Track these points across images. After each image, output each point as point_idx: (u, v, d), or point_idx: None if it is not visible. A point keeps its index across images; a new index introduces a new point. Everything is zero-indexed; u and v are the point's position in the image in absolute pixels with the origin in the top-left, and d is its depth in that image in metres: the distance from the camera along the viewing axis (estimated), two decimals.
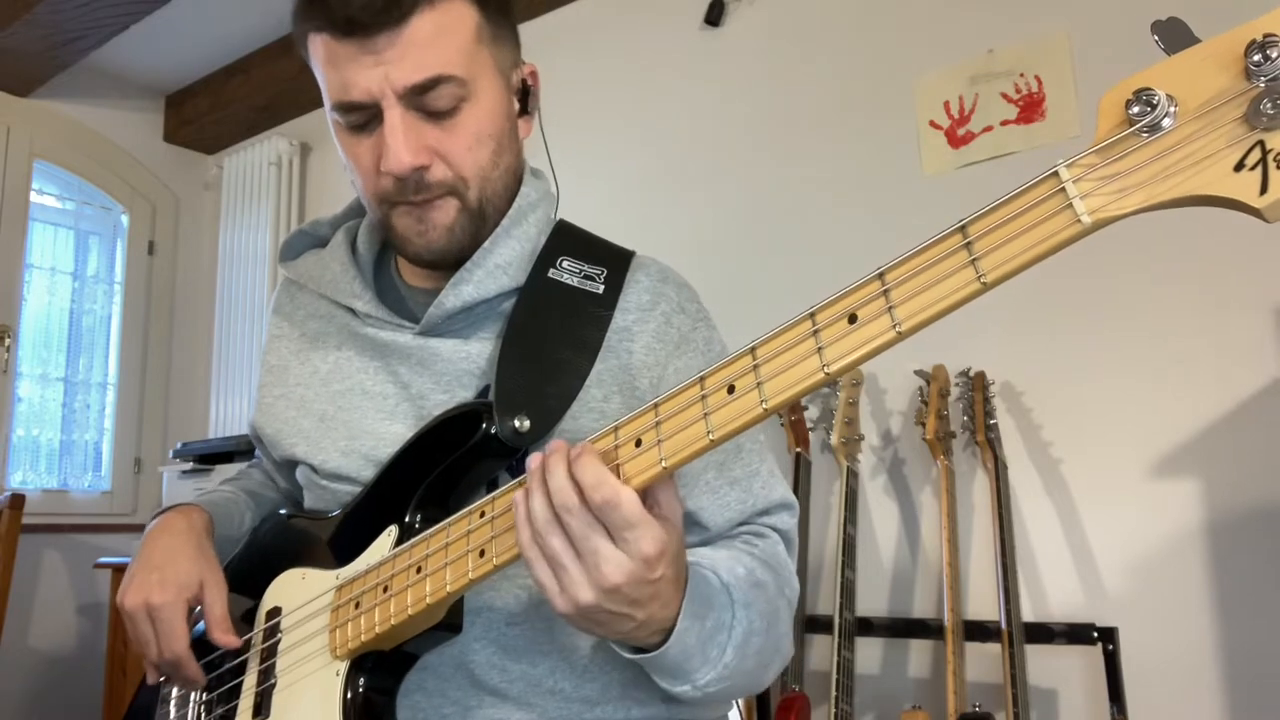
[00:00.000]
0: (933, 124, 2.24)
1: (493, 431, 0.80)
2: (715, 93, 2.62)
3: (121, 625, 2.91)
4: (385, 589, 0.77)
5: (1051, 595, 1.97)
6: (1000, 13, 2.18)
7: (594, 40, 2.90)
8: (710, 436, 0.61)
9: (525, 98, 0.92)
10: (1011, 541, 1.89)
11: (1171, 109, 0.49)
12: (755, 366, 0.60)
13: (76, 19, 2.93)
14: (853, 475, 2.06)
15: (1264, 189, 0.46)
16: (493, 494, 0.72)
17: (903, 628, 2.10)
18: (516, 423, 0.80)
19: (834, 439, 2.07)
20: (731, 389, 0.61)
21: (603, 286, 0.90)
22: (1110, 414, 1.95)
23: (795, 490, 2.07)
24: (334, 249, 0.99)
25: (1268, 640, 1.75)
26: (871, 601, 2.16)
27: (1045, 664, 1.93)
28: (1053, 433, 2.02)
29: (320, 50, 0.82)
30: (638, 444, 0.64)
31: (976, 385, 2.01)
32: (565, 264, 0.91)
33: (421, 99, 0.81)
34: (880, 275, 0.57)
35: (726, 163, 2.56)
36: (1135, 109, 0.50)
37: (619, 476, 0.64)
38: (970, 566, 2.05)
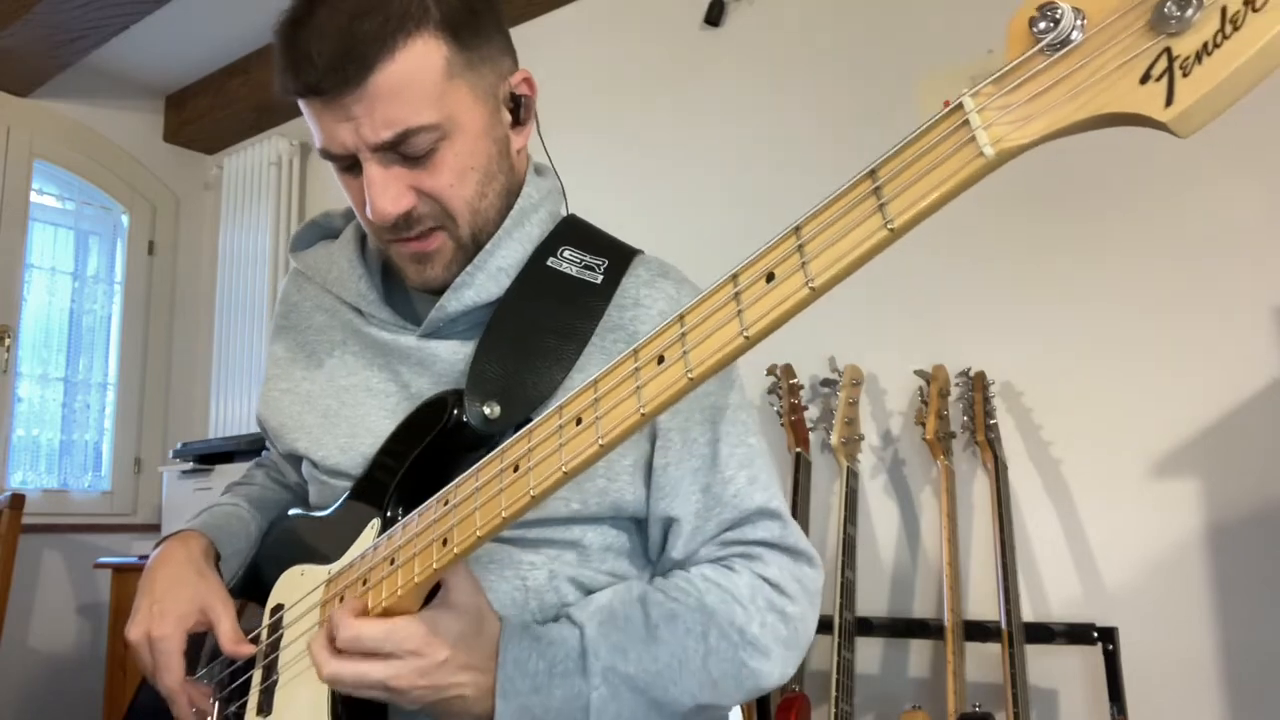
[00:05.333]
0: None
1: (464, 419, 0.80)
2: (715, 93, 2.61)
3: (120, 625, 2.91)
4: (364, 582, 0.78)
5: (1051, 595, 1.97)
6: (1000, 13, 2.17)
7: (594, 41, 2.90)
8: (642, 410, 0.59)
9: (518, 108, 0.90)
10: (1011, 541, 1.89)
11: (1079, 23, 0.45)
12: (683, 335, 0.58)
13: (76, 19, 2.93)
14: (853, 475, 2.06)
15: (1169, 100, 0.42)
16: (455, 480, 0.72)
17: (903, 628, 2.10)
18: (486, 409, 0.80)
19: (834, 439, 2.07)
20: (661, 359, 0.59)
21: (601, 278, 0.89)
22: (1110, 414, 1.95)
23: (795, 490, 2.07)
24: (343, 245, 0.99)
25: (1268, 640, 1.75)
26: (871, 601, 2.16)
27: (1045, 664, 1.93)
28: (1053, 433, 2.02)
29: (299, 104, 0.83)
30: (578, 422, 0.63)
31: (976, 385, 2.01)
32: (566, 253, 0.91)
33: (396, 149, 0.81)
34: (796, 229, 0.53)
35: (726, 162, 2.56)
36: (1040, 25, 0.45)
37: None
38: (970, 566, 2.05)
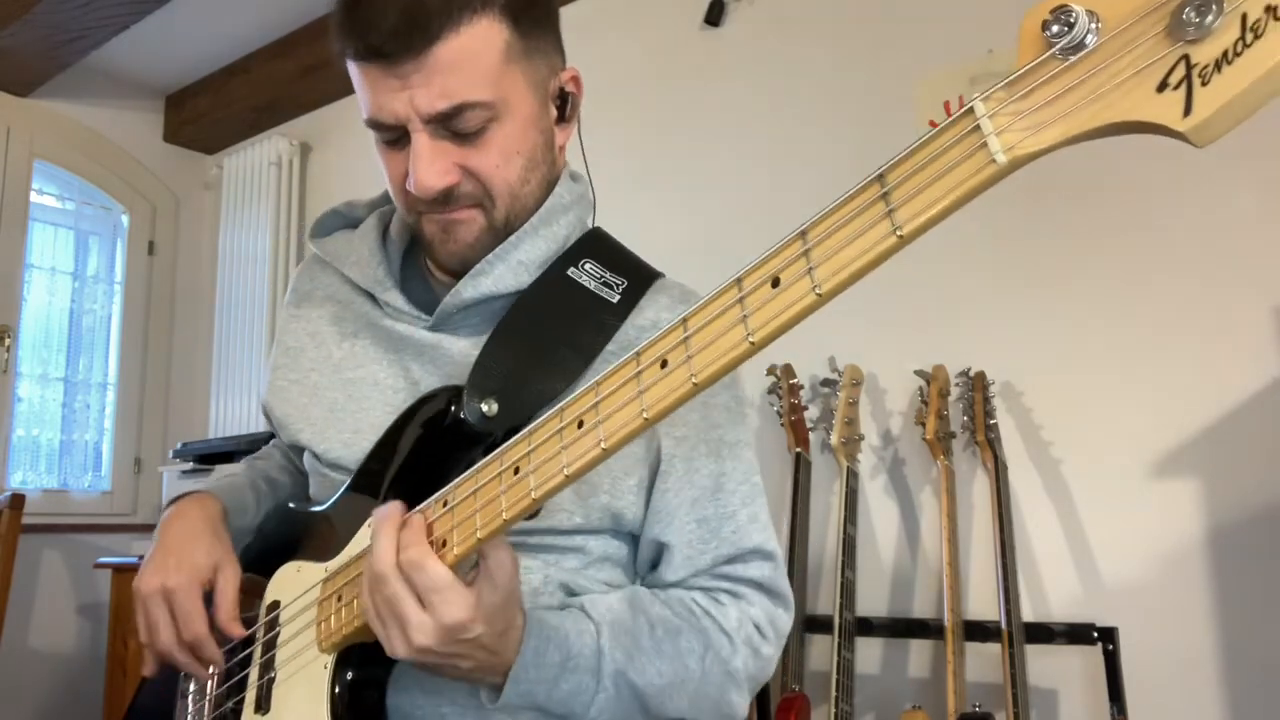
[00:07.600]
0: (932, 124, 2.23)
1: (461, 416, 0.80)
2: (715, 93, 2.61)
3: (121, 625, 2.89)
4: None
5: (1051, 595, 1.97)
6: (1000, 13, 2.18)
7: (594, 40, 2.89)
8: (645, 415, 0.58)
9: (564, 105, 0.91)
10: (1011, 541, 1.89)
11: (1093, 26, 0.43)
12: (686, 339, 0.57)
13: (76, 19, 2.93)
14: (853, 475, 2.06)
15: (1188, 110, 0.40)
16: (455, 481, 0.71)
17: (903, 628, 2.10)
18: (484, 406, 0.80)
19: (834, 439, 2.07)
20: (664, 363, 0.58)
21: (619, 297, 0.89)
22: (1110, 414, 1.95)
23: (795, 490, 2.07)
24: (365, 233, 0.99)
25: (1268, 640, 1.75)
26: (871, 601, 2.16)
27: (1045, 664, 1.93)
28: (1053, 433, 2.02)
29: (353, 70, 0.83)
30: (579, 425, 0.63)
31: (976, 385, 2.01)
32: (587, 266, 0.91)
33: (448, 123, 0.81)
34: (802, 233, 0.52)
35: (725, 163, 2.56)
36: (1054, 29, 0.44)
37: (450, 541, 0.68)
38: (970, 566, 2.05)
